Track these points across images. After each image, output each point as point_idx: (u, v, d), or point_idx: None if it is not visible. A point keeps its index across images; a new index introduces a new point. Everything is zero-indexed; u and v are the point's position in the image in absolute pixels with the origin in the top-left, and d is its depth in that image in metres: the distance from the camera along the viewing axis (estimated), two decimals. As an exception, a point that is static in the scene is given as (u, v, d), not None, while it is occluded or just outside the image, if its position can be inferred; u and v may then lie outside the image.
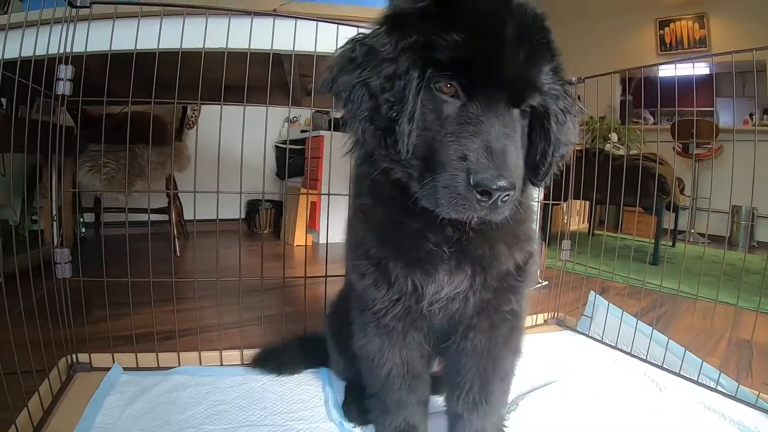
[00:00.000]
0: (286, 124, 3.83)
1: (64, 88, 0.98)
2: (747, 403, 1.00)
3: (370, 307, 0.72)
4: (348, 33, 0.86)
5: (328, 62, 0.62)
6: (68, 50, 0.98)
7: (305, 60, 1.28)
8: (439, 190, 0.55)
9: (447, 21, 0.54)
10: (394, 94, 0.55)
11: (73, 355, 1.04)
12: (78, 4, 0.98)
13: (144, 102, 1.21)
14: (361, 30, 0.68)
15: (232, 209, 3.51)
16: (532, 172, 0.66)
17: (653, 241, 2.97)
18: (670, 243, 3.73)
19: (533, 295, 1.81)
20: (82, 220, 2.79)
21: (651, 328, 1.28)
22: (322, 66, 0.64)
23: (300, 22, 1.14)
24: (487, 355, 0.73)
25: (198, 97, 1.07)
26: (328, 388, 1.01)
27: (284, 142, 3.70)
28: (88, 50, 0.99)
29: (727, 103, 4.37)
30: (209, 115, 2.87)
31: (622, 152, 3.17)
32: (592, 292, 1.56)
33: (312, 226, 3.18)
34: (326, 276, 1.21)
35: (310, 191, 3.02)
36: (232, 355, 1.14)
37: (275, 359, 1.08)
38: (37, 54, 0.92)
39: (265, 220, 3.63)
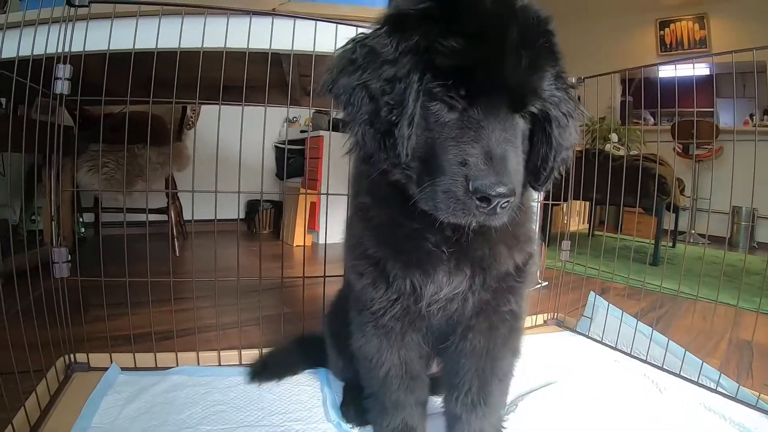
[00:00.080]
0: (285, 124, 3.83)
1: (62, 87, 0.98)
2: (747, 404, 1.00)
3: (369, 307, 0.72)
4: (347, 33, 0.86)
5: (327, 62, 0.61)
6: (67, 49, 0.98)
7: (304, 60, 1.28)
8: (438, 195, 0.54)
9: (449, 23, 0.53)
10: (394, 97, 0.55)
11: (71, 355, 1.04)
12: (76, 4, 0.98)
13: (143, 102, 1.21)
14: (361, 30, 0.67)
15: (231, 209, 3.50)
16: (533, 176, 0.65)
17: (653, 241, 2.96)
18: (671, 244, 3.73)
19: (533, 295, 1.80)
20: (81, 219, 2.78)
21: (651, 328, 1.28)
22: (322, 66, 0.64)
23: (299, 22, 1.13)
24: (486, 355, 0.73)
25: (196, 97, 1.07)
26: (326, 389, 1.00)
27: (284, 143, 3.70)
28: (86, 49, 0.99)
29: (727, 103, 4.35)
30: (208, 115, 2.87)
31: (622, 153, 3.17)
32: (591, 292, 1.55)
33: (311, 226, 3.17)
34: (324, 276, 1.21)
35: (309, 191, 3.02)
36: (230, 356, 1.14)
37: (272, 368, 1.06)
38: (35, 53, 0.92)
39: (264, 220, 3.63)
